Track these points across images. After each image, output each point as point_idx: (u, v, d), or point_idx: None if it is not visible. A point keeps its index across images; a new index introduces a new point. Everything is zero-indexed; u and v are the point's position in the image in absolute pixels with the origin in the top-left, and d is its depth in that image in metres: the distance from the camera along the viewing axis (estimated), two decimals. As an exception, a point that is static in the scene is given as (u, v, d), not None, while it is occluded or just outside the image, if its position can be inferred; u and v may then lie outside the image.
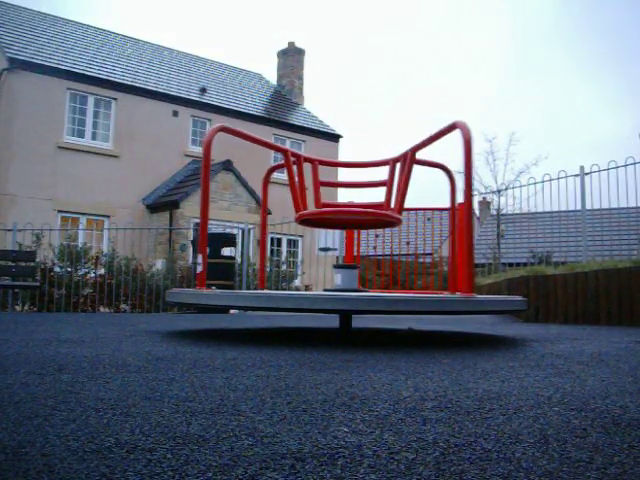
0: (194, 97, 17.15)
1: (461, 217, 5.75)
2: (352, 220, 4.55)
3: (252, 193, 15.74)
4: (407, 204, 4.59)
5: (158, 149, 15.86)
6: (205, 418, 1.35)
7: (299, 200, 4.25)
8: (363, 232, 8.08)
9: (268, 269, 11.74)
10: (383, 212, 4.19)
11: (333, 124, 21.77)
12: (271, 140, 17.70)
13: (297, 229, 14.94)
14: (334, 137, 20.05)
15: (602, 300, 5.63)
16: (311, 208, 4.47)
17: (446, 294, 4.71)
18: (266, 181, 4.85)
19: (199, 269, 3.64)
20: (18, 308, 9.11)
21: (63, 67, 14.67)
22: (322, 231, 9.20)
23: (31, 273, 8.38)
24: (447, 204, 5.15)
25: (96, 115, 15.22)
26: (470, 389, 1.77)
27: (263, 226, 5.17)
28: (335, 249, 9.14)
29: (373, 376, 1.98)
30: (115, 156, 15.18)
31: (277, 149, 4.58)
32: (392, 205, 4.29)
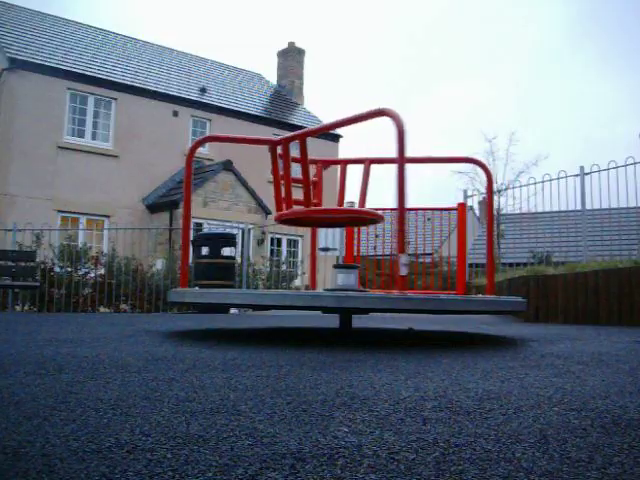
0: (194, 97, 17.15)
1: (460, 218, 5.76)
2: (329, 219, 4.56)
3: (252, 193, 15.74)
4: (406, 204, 4.58)
5: (158, 149, 15.86)
6: (205, 418, 1.35)
7: (282, 198, 4.12)
8: (363, 232, 8.08)
9: (268, 269, 11.75)
10: (362, 210, 4.21)
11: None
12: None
13: (297, 229, 14.93)
14: (334, 137, 20.04)
15: (602, 300, 5.63)
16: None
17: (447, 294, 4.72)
18: (191, 155, 4.16)
19: (404, 271, 3.19)
20: (18, 308, 9.10)
21: (63, 67, 14.67)
22: (322, 231, 9.19)
23: (31, 273, 8.38)
24: (446, 205, 5.18)
25: (96, 115, 15.22)
26: (470, 389, 1.77)
27: (186, 214, 4.24)
28: (335, 249, 9.14)
29: (373, 376, 1.98)
30: (115, 156, 15.18)
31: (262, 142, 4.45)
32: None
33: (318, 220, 4.55)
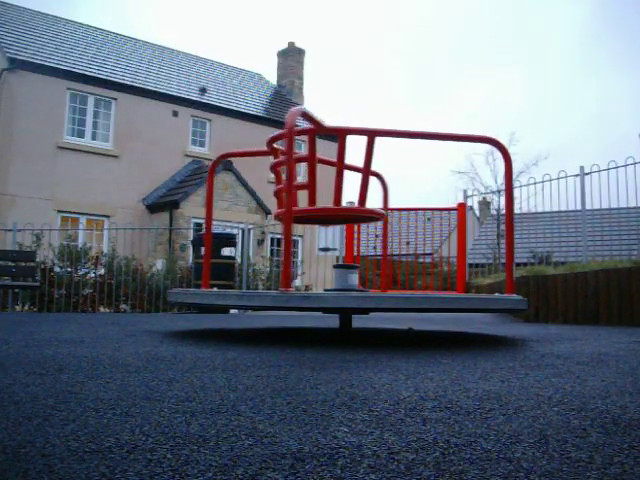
0: (194, 97, 17.15)
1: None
2: (327, 216, 4.57)
3: (252, 193, 15.74)
4: (406, 204, 4.61)
5: (158, 149, 15.86)
6: (205, 418, 1.35)
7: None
8: (363, 232, 8.08)
9: (268, 269, 11.75)
10: (362, 208, 4.22)
11: (333, 124, 21.75)
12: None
13: (297, 229, 14.90)
14: (334, 137, 20.03)
15: (602, 300, 5.63)
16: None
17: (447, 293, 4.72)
18: (291, 129, 4.04)
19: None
20: (18, 308, 9.10)
21: (63, 67, 14.67)
22: (322, 231, 9.19)
23: (31, 273, 8.38)
24: (446, 205, 5.19)
25: (96, 115, 15.22)
26: (470, 389, 1.77)
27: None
28: (335, 249, 9.13)
29: (373, 376, 1.98)
30: (115, 156, 15.18)
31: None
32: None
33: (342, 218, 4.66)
